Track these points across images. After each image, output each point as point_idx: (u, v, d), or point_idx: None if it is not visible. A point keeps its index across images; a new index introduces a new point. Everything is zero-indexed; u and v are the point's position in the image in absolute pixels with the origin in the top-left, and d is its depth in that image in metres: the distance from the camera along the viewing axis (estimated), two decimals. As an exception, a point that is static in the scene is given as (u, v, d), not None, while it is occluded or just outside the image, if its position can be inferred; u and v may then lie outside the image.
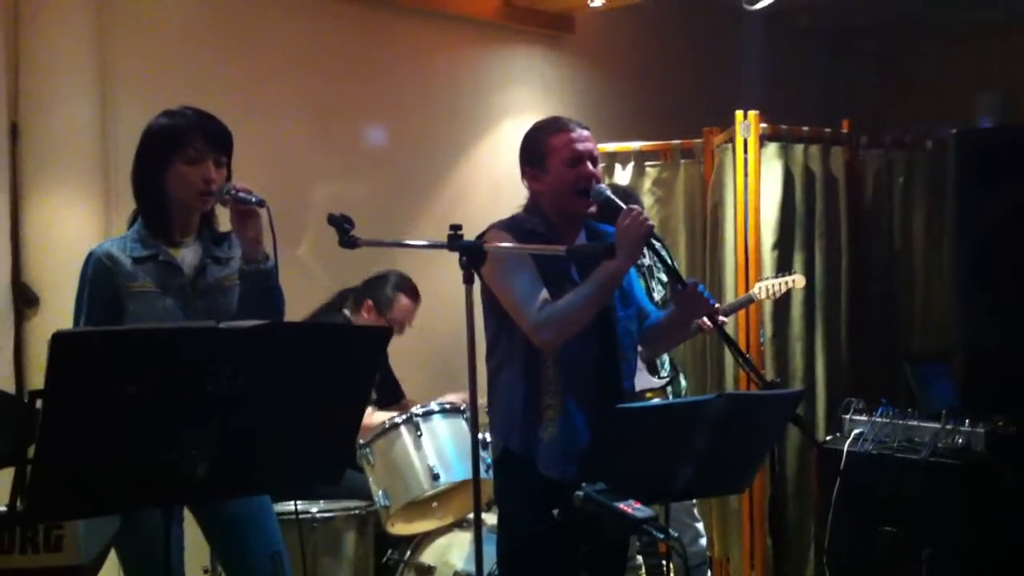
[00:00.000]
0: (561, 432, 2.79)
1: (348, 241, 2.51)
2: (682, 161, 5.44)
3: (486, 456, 3.36)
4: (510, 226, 2.86)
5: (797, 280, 4.58)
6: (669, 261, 2.83)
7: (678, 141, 5.45)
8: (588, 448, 2.59)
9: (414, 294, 4.13)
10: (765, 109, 5.07)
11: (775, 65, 6.44)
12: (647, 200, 5.46)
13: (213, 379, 1.84)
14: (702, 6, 5.58)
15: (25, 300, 4.04)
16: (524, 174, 2.96)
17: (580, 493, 2.31)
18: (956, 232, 4.17)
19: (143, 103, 2.85)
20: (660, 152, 5.49)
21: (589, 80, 6.07)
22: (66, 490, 1.76)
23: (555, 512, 2.42)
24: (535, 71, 5.87)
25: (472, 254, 2.43)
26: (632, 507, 2.26)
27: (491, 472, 3.16)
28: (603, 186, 2.91)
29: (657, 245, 2.89)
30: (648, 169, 5.48)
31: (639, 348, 4.11)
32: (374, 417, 4.16)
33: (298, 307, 4.12)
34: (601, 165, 5.32)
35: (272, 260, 2.72)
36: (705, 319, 3.01)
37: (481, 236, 2.82)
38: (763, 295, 4.53)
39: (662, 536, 2.20)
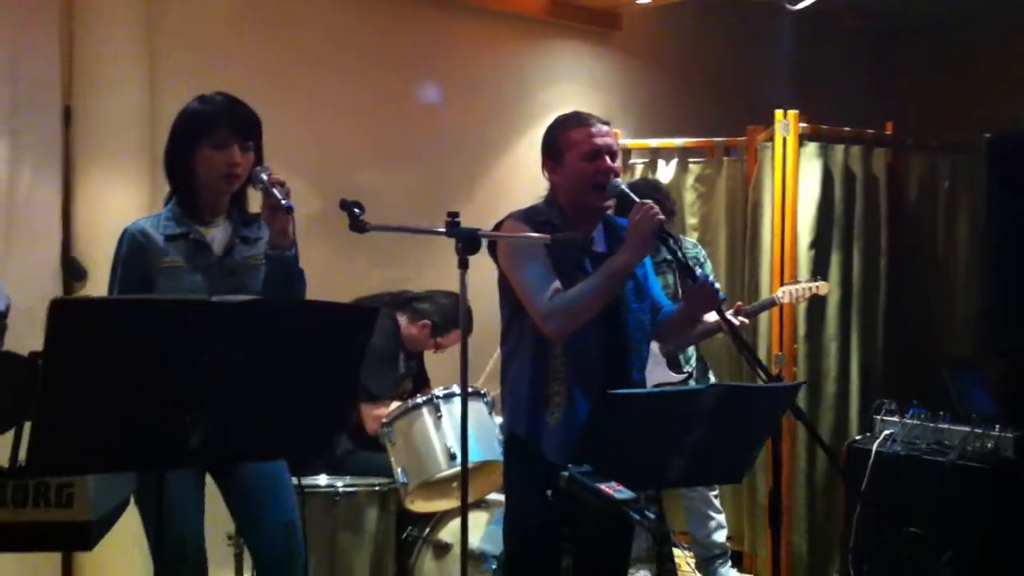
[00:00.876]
0: (566, 419, 2.85)
1: (358, 225, 2.61)
2: (725, 159, 5.47)
3: (503, 438, 3.44)
4: (527, 216, 2.93)
5: (821, 287, 4.58)
6: (679, 254, 2.87)
7: (722, 139, 5.48)
8: (582, 431, 2.65)
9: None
10: (809, 108, 5.08)
11: (821, 64, 6.41)
12: (689, 196, 5.51)
13: (205, 350, 1.95)
14: (749, 3, 5.58)
15: (75, 273, 4.22)
16: (544, 166, 3.03)
17: (565, 474, 2.38)
18: (987, 237, 4.15)
19: (190, 89, 2.96)
20: (704, 149, 5.53)
21: (635, 76, 6.10)
22: (61, 447, 1.88)
23: (548, 493, 2.48)
24: (581, 67, 5.93)
25: (469, 241, 2.52)
26: (614, 488, 2.32)
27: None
28: (619, 180, 2.96)
29: (670, 241, 2.91)
30: (691, 166, 5.52)
31: (657, 343, 4.19)
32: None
33: (338, 290, 4.30)
34: (644, 161, 5.50)
35: (295, 249, 2.83)
36: (719, 316, 3.03)
37: (499, 224, 2.91)
38: (786, 299, 4.55)
39: (639, 517, 2.25)
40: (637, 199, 2.88)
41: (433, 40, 5.35)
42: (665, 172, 5.51)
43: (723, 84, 6.21)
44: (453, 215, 2.56)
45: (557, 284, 2.83)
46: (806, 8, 4.50)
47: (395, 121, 5.24)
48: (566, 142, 2.96)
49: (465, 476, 2.60)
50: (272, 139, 4.54)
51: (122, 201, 4.22)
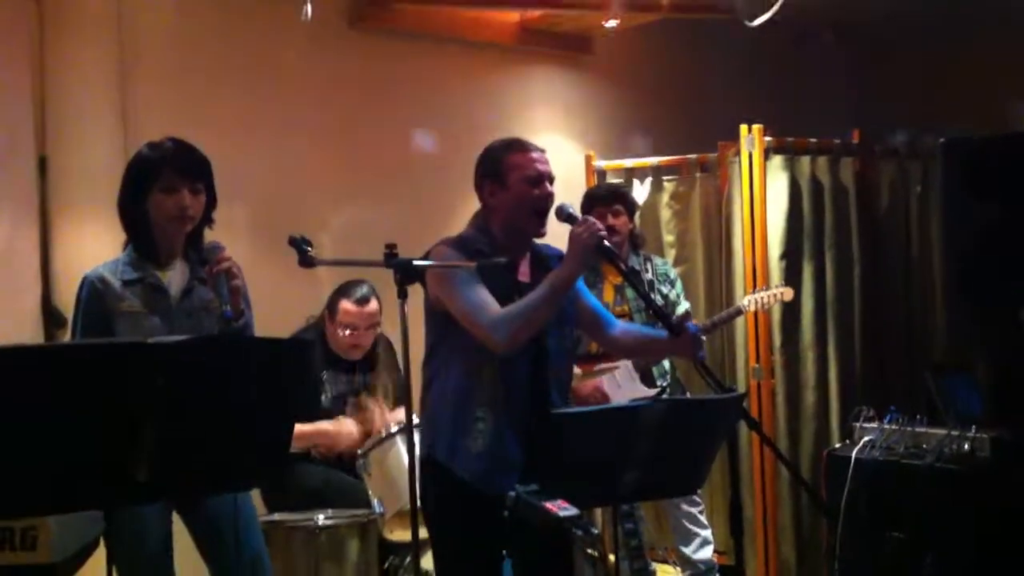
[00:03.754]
0: (490, 445, 2.88)
1: (307, 261, 2.68)
2: (698, 175, 5.53)
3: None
4: (457, 244, 2.97)
5: (785, 292, 4.64)
6: (622, 267, 2.92)
7: (694, 156, 5.54)
8: (529, 452, 2.70)
9: (361, 300, 4.24)
10: (780, 121, 5.14)
11: (791, 78, 6.48)
12: (665, 214, 5.56)
13: (143, 390, 2.03)
14: (716, 21, 5.65)
15: (55, 323, 4.30)
16: (482, 187, 3.06)
17: (512, 494, 2.44)
18: (947, 241, 4.20)
19: (162, 135, 3.07)
20: (677, 167, 5.59)
21: (608, 98, 6.18)
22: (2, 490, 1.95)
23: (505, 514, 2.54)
24: (555, 92, 6.01)
25: (406, 271, 2.60)
26: (558, 506, 2.38)
27: None
28: (566, 203, 3.03)
29: (612, 254, 2.95)
30: (666, 184, 5.58)
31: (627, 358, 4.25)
32: (380, 419, 4.33)
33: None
34: (619, 181, 5.56)
35: (243, 320, 2.93)
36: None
37: (428, 252, 2.97)
38: (752, 307, 4.60)
39: (582, 533, 2.31)
40: (580, 216, 2.95)
41: (405, 70, 5.42)
42: (640, 191, 5.58)
43: (695, 101, 6.28)
44: (391, 246, 2.64)
45: (494, 302, 2.87)
46: (776, 22, 4.56)
47: (368, 152, 5.31)
48: (509, 165, 3.00)
49: (415, 511, 2.64)
50: (247, 177, 4.72)
51: (99, 249, 4.25)
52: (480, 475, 2.84)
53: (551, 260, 3.03)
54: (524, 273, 3.03)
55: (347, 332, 4.21)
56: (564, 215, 3.00)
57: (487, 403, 2.90)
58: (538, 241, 3.09)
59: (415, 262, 2.64)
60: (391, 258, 2.61)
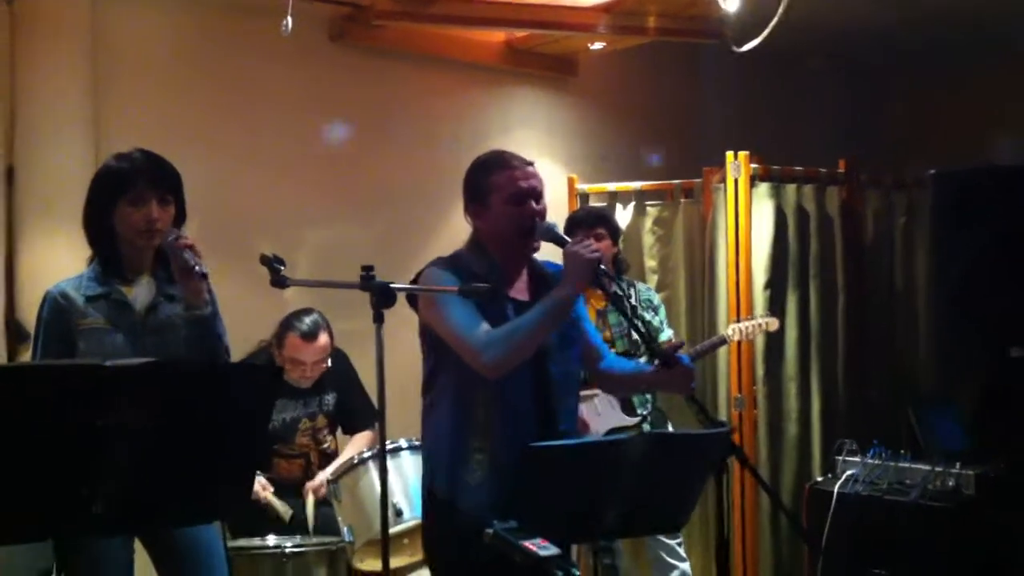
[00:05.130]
0: (490, 476, 2.73)
1: (279, 281, 2.57)
2: (682, 201, 5.46)
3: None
4: (449, 265, 2.84)
5: (770, 323, 4.56)
6: (647, 336, 2.79)
7: (678, 181, 5.47)
8: (508, 486, 2.58)
9: (308, 335, 4.08)
10: (766, 148, 5.08)
11: (778, 105, 6.43)
12: (648, 239, 5.49)
13: (101, 415, 1.91)
14: (705, 45, 5.60)
15: (18, 337, 4.17)
16: (466, 211, 2.92)
17: (490, 531, 2.32)
18: (936, 274, 4.15)
19: (136, 147, 2.96)
20: (661, 192, 5.52)
21: (592, 121, 6.11)
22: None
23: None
24: (539, 114, 5.93)
25: (383, 294, 2.48)
26: (538, 545, 2.26)
27: None
28: (550, 222, 2.89)
29: (604, 277, 2.84)
30: (649, 209, 5.50)
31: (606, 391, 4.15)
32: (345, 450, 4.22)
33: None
34: (602, 205, 5.48)
35: (211, 308, 2.81)
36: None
37: (419, 273, 2.85)
38: (736, 337, 4.52)
39: (561, 574, 2.20)
40: (568, 238, 2.84)
41: (389, 90, 5.35)
42: (623, 216, 5.50)
43: (680, 126, 6.22)
44: (368, 268, 2.51)
45: (487, 325, 2.73)
46: (763, 48, 4.50)
47: (350, 173, 5.23)
48: (490, 185, 2.85)
49: (385, 542, 2.53)
50: (221, 194, 4.62)
51: (67, 262, 4.14)
52: (481, 509, 2.63)
53: (552, 277, 2.88)
54: (522, 291, 2.88)
55: (293, 367, 4.07)
56: (548, 235, 2.87)
57: (483, 433, 2.75)
58: (539, 257, 2.95)
59: (392, 285, 2.52)
60: (368, 280, 2.49)
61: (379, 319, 2.47)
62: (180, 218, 2.91)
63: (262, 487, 4.00)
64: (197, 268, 2.71)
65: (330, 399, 4.24)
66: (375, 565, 3.83)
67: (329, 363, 4.16)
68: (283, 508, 4.01)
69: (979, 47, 5.65)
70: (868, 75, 6.48)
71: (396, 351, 2.70)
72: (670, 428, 4.55)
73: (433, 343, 2.83)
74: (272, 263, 2.58)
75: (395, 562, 3.85)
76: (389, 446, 3.73)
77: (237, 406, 2.08)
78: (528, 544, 2.27)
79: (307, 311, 4.13)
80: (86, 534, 2.05)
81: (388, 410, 2.67)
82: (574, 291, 2.77)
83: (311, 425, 4.21)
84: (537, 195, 2.87)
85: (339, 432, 4.36)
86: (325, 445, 4.25)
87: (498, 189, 2.84)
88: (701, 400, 5.09)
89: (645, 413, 4.32)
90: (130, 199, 2.81)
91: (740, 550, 4.86)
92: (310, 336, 4.06)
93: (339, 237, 5.09)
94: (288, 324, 4.10)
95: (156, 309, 2.88)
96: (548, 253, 2.95)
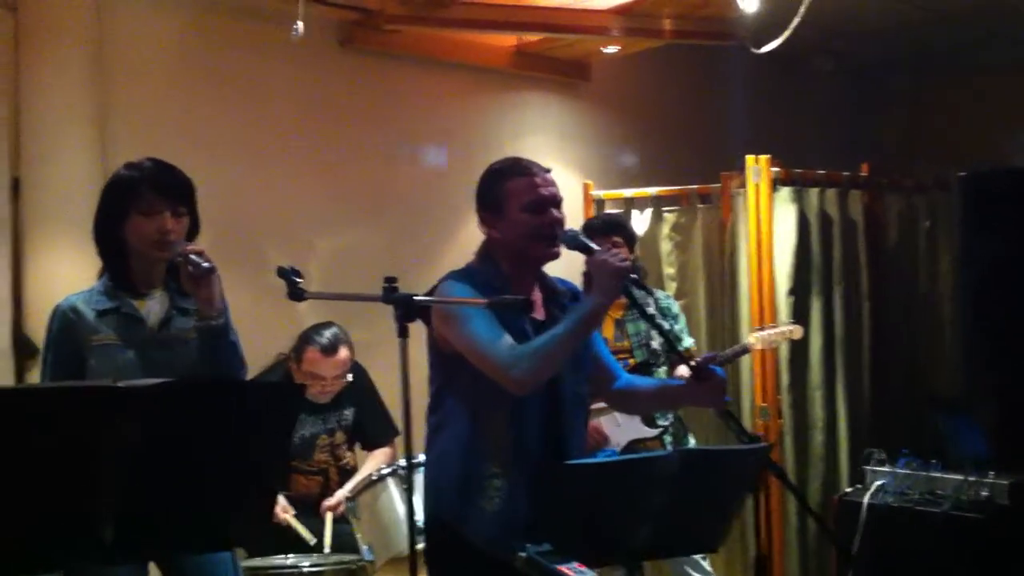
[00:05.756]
0: (506, 503, 2.59)
1: (296, 294, 2.46)
2: (700, 206, 5.36)
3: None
4: (465, 278, 2.70)
5: (794, 331, 4.44)
6: (676, 344, 2.65)
7: (695, 186, 5.37)
8: (535, 507, 2.45)
9: (328, 349, 3.97)
10: (784, 152, 4.98)
11: (797, 108, 6.34)
12: (665, 246, 5.38)
13: (111, 439, 1.79)
14: (719, 49, 5.50)
15: (27, 351, 4.07)
16: (480, 220, 2.79)
17: (523, 555, 2.21)
18: (963, 277, 4.04)
19: (143, 156, 2.85)
20: (678, 197, 5.41)
21: (606, 126, 6.02)
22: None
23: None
24: (551, 119, 5.84)
25: (407, 307, 2.36)
26: (575, 570, 2.16)
27: None
28: (573, 229, 2.75)
29: (631, 287, 2.73)
30: (666, 215, 5.41)
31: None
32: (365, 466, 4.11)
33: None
34: (618, 211, 5.38)
35: (224, 319, 2.70)
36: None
37: (433, 288, 2.73)
38: (759, 346, 4.41)
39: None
40: (593, 246, 2.71)
41: (400, 95, 5.27)
42: (640, 222, 5.39)
43: (696, 130, 6.13)
44: (391, 280, 2.38)
45: (510, 338, 2.59)
46: (778, 50, 4.40)
47: (361, 178, 5.14)
48: (506, 193, 2.71)
49: (413, 560, 2.41)
50: (230, 201, 4.52)
51: (75, 275, 4.03)
52: (495, 539, 2.52)
53: (563, 296, 2.77)
54: (537, 309, 2.74)
55: (313, 382, 3.96)
56: (573, 243, 2.75)
57: (499, 457, 2.61)
58: (547, 272, 2.83)
59: (417, 298, 2.39)
60: (391, 292, 2.36)
61: (403, 334, 2.34)
62: (194, 229, 2.80)
63: (283, 509, 3.89)
64: (204, 265, 2.60)
65: (348, 414, 4.13)
66: (396, 585, 3.72)
67: (350, 377, 4.06)
68: (306, 532, 3.88)
69: (996, 48, 5.56)
70: (881, 77, 6.39)
71: (412, 365, 2.58)
72: (692, 440, 4.42)
73: (443, 361, 2.70)
74: (289, 275, 2.47)
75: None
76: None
77: (257, 428, 1.96)
78: (565, 569, 2.17)
79: (327, 324, 4.03)
80: (98, 563, 1.92)
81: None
82: (606, 301, 2.63)
83: (329, 441, 4.09)
84: (557, 202, 2.75)
85: (358, 447, 4.25)
86: (344, 461, 4.14)
87: (515, 196, 2.71)
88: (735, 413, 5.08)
89: (666, 424, 4.19)
90: (142, 209, 2.70)
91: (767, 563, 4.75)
92: (330, 350, 3.95)
93: (349, 243, 5.01)
94: (307, 338, 3.99)
95: (169, 323, 2.77)
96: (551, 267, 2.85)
